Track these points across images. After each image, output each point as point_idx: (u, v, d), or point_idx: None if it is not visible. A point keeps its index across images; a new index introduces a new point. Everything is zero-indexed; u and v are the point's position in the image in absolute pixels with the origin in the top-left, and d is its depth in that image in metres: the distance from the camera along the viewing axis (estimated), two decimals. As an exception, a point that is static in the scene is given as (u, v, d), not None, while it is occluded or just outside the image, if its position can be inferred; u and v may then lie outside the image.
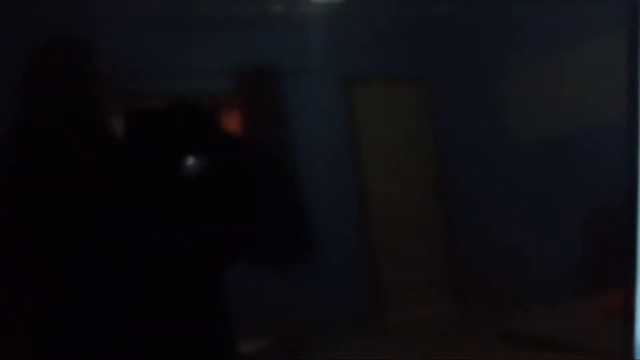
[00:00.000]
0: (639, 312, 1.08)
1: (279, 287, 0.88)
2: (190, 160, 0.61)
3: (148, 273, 0.55)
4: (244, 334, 0.71)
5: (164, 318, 0.55)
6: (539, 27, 1.22)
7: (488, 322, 1.14)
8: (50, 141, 0.54)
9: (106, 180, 0.55)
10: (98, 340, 0.53)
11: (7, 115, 0.54)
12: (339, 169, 1.13)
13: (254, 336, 0.69)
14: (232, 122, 0.73)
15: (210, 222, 0.61)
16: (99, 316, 0.53)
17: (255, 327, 0.68)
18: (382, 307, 1.17)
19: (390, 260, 1.21)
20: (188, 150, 0.61)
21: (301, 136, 0.94)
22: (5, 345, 0.52)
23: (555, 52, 1.28)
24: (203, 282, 0.59)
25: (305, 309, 1.02)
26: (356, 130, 1.18)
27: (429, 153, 1.31)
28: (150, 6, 0.71)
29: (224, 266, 0.64)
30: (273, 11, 0.99)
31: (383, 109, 1.22)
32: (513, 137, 1.25)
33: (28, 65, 0.54)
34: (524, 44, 1.26)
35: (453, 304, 1.33)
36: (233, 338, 0.59)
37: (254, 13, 0.95)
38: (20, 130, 0.53)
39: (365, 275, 1.16)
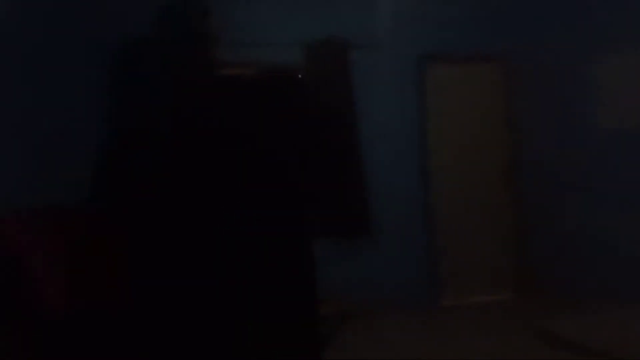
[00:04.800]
0: None
1: (344, 262, 0.88)
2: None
3: (235, 246, 0.56)
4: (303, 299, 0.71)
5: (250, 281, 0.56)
6: (634, 12, 1.15)
7: (541, 317, 1.11)
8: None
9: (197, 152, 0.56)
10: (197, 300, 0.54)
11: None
12: (407, 148, 1.11)
13: (319, 303, 0.69)
14: (302, 96, 0.73)
15: (281, 196, 0.61)
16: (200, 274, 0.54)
17: (321, 296, 0.67)
18: (442, 291, 1.15)
19: (453, 243, 1.19)
20: (261, 121, 0.61)
21: (370, 112, 0.92)
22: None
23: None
24: (278, 252, 0.59)
25: (368, 285, 1.02)
26: (427, 109, 1.15)
27: (502, 135, 1.28)
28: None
29: (291, 239, 0.63)
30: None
31: (457, 88, 1.19)
32: (594, 124, 1.20)
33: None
34: (616, 28, 1.20)
35: (514, 293, 1.30)
36: (304, 305, 0.60)
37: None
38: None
39: (428, 257, 1.14)
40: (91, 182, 0.55)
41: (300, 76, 0.61)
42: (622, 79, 1.25)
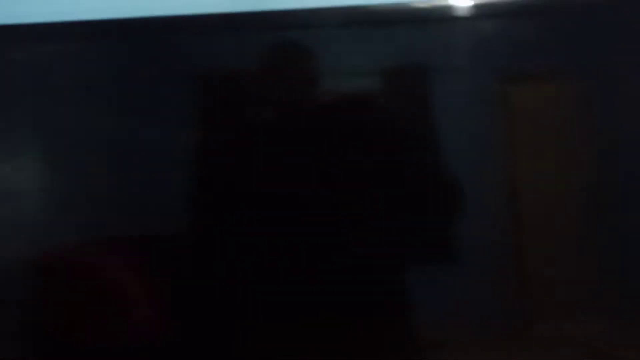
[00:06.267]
0: None
1: (427, 287, 0.86)
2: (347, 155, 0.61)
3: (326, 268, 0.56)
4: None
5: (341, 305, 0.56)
6: None
7: None
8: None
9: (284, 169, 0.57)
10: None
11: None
12: (490, 170, 1.08)
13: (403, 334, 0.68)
14: (382, 121, 0.73)
15: (368, 220, 0.61)
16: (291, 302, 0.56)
17: (404, 324, 0.66)
18: (532, 319, 1.09)
19: (542, 268, 1.13)
20: (346, 147, 0.62)
21: (452, 136, 0.91)
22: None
23: None
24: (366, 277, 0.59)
25: (453, 312, 0.99)
26: (510, 130, 1.12)
27: (590, 155, 1.21)
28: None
29: (374, 261, 0.63)
30: (423, 8, 0.97)
31: (541, 108, 1.15)
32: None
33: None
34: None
35: (610, 323, 1.22)
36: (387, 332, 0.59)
37: (405, 10, 0.94)
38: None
39: (516, 283, 1.09)
40: (184, 211, 0.57)
41: (380, 102, 0.62)
42: None
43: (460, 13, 0.95)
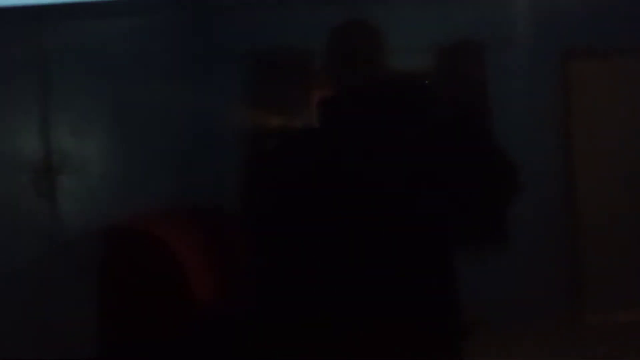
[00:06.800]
0: None
1: (478, 271, 0.85)
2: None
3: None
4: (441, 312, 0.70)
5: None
6: None
7: None
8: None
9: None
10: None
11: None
12: (550, 150, 1.05)
13: (448, 314, 0.68)
14: (435, 98, 0.72)
15: (414, 199, 0.61)
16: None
17: (451, 307, 0.66)
18: (583, 307, 1.07)
19: (600, 254, 1.10)
20: (398, 124, 0.61)
21: (508, 114, 0.88)
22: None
23: None
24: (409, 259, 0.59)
25: (505, 298, 0.97)
26: (571, 108, 1.08)
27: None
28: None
29: (424, 245, 0.63)
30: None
31: (603, 85, 1.10)
32: None
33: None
34: None
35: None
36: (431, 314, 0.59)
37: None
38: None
39: (568, 270, 1.07)
40: (239, 185, 0.58)
41: (427, 82, 0.61)
42: None
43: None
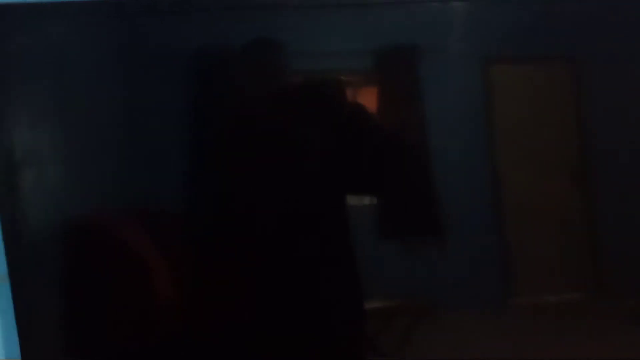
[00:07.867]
0: None
1: (412, 260, 0.89)
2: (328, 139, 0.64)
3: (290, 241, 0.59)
4: (372, 298, 0.74)
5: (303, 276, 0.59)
6: None
7: (621, 314, 1.07)
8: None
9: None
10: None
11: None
12: (475, 150, 1.11)
13: (381, 301, 0.71)
14: (369, 100, 0.76)
15: (344, 194, 0.64)
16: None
17: (384, 294, 0.70)
18: (511, 291, 1.13)
19: (524, 242, 1.17)
20: (327, 126, 0.65)
21: (437, 116, 0.94)
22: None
23: None
24: (337, 251, 0.62)
25: (436, 284, 1.02)
26: (494, 112, 1.14)
27: (571, 137, 1.23)
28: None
29: (355, 236, 0.66)
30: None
31: (523, 91, 1.17)
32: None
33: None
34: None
35: (586, 292, 1.25)
36: (362, 301, 0.62)
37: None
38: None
39: (497, 257, 1.13)
40: (180, 186, 0.59)
41: (338, 81, 0.64)
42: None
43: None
